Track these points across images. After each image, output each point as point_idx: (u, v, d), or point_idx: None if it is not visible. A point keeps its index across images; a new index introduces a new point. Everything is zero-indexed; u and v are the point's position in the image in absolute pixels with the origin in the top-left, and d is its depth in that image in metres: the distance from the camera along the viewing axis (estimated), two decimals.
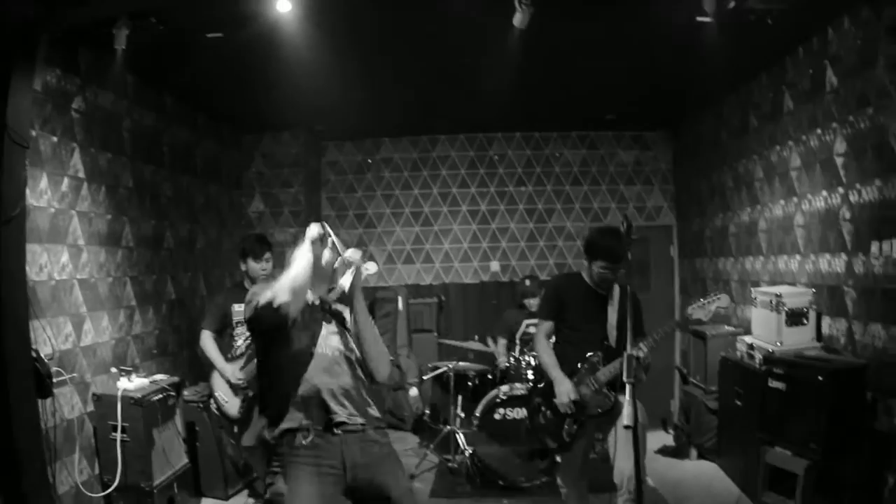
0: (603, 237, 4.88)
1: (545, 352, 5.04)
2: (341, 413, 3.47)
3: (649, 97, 7.98)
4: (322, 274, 3.57)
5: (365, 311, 3.64)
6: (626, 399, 3.36)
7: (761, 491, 5.14)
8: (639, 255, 9.45)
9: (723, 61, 6.10)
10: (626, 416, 3.31)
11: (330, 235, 3.55)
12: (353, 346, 3.65)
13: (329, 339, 3.60)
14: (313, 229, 3.53)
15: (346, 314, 3.72)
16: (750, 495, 5.64)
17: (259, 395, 3.78)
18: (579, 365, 4.83)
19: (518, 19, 5.08)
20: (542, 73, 6.94)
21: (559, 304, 5.06)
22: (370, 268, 5.30)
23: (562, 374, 4.84)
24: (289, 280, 3.36)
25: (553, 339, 5.16)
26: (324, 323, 3.63)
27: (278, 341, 3.45)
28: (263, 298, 3.32)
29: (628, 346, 3.61)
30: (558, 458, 5.20)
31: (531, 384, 6.41)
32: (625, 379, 3.44)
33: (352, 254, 3.56)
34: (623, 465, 4.52)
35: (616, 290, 4.92)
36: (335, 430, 3.43)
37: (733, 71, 6.80)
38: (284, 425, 3.41)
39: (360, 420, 3.52)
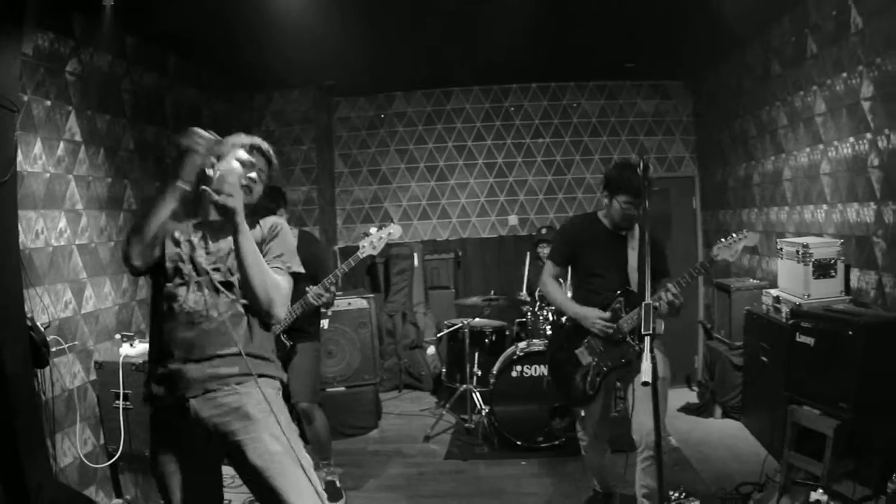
0: (622, 170, 4.58)
1: (554, 291, 4.87)
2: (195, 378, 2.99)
3: (668, 44, 7.66)
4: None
5: (249, 236, 3.00)
6: (645, 354, 3.13)
7: (787, 451, 4.93)
8: (660, 206, 9.18)
9: (743, 4, 5.85)
10: (644, 372, 3.06)
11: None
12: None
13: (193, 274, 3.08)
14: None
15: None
16: (775, 455, 5.46)
17: None
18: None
19: None
20: (555, 19, 6.67)
21: (574, 248, 4.81)
22: (394, 231, 5.18)
23: (580, 307, 4.65)
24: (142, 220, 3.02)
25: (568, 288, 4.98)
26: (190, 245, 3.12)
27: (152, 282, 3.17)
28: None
29: (647, 295, 3.36)
30: (582, 412, 5.00)
31: (547, 339, 6.23)
32: (643, 331, 3.19)
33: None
34: (642, 420, 4.27)
35: (636, 231, 4.69)
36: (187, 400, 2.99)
37: (754, 14, 6.46)
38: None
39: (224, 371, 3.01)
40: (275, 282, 3.05)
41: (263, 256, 3.08)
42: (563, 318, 5.03)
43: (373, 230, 5.17)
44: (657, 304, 4.17)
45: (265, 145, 3.33)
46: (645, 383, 3.03)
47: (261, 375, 3.05)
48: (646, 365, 3.04)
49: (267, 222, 3.28)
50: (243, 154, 3.20)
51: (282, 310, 3.07)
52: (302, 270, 3.24)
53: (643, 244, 4.40)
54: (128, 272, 3.13)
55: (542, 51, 7.94)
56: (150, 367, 3.10)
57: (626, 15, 6.54)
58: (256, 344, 3.10)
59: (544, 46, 7.68)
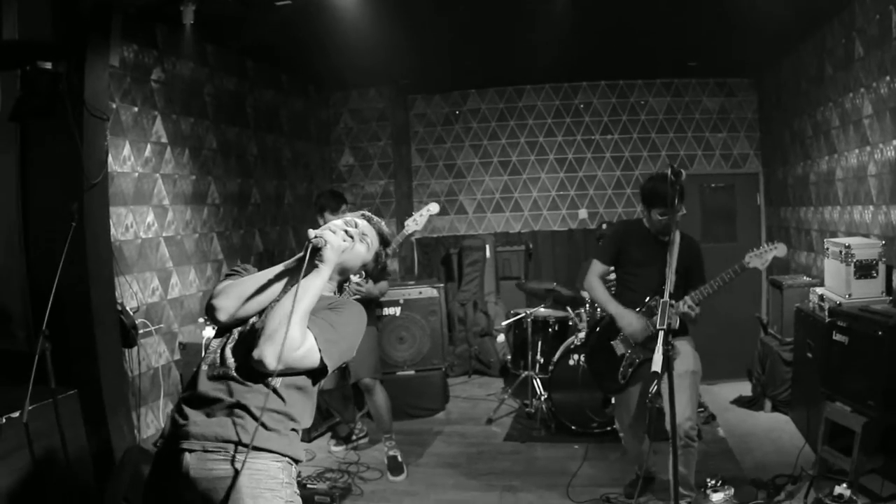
0: (656, 184, 4.85)
1: (598, 289, 5.15)
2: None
3: (730, 43, 7.76)
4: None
5: (322, 279, 2.61)
6: (658, 346, 3.45)
7: (821, 446, 5.12)
8: (725, 202, 9.34)
9: (796, 5, 5.96)
10: (655, 362, 3.40)
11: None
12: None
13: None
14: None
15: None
16: (814, 449, 5.62)
17: None
18: (637, 309, 4.92)
19: None
20: (623, 20, 6.87)
21: (618, 248, 5.13)
22: (433, 208, 5.58)
23: (620, 306, 4.95)
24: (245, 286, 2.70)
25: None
26: None
27: None
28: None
29: (666, 294, 3.67)
30: (613, 401, 5.32)
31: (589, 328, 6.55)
32: (657, 326, 3.51)
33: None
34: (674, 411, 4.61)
35: (676, 237, 4.96)
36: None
37: (808, 16, 6.57)
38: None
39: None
40: (292, 335, 2.47)
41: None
42: (600, 311, 5.38)
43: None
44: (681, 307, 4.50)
45: (376, 221, 2.97)
46: (654, 373, 3.38)
47: (260, 449, 2.53)
48: (657, 357, 3.39)
49: (343, 298, 2.98)
50: (351, 216, 2.87)
51: (271, 360, 2.43)
52: (329, 367, 2.63)
53: (679, 251, 4.74)
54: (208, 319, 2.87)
55: (611, 49, 8.14)
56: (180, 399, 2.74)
57: (688, 13, 6.65)
58: (275, 414, 2.60)
59: (612, 45, 7.87)
